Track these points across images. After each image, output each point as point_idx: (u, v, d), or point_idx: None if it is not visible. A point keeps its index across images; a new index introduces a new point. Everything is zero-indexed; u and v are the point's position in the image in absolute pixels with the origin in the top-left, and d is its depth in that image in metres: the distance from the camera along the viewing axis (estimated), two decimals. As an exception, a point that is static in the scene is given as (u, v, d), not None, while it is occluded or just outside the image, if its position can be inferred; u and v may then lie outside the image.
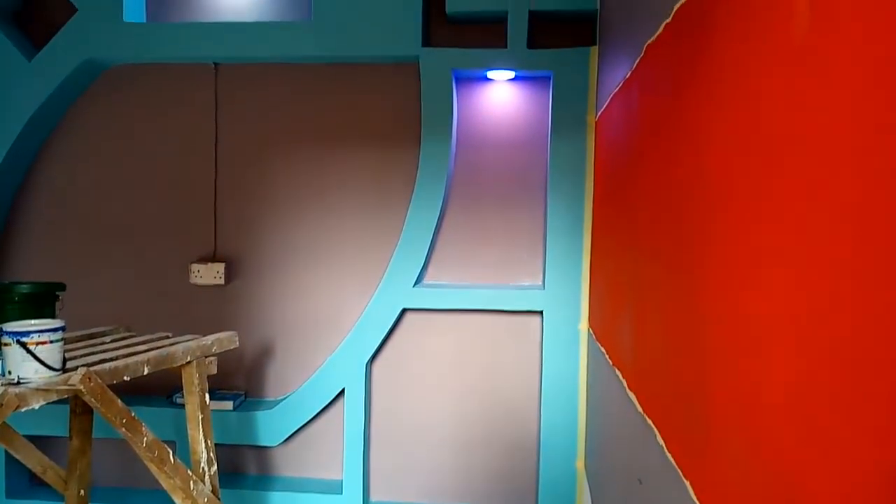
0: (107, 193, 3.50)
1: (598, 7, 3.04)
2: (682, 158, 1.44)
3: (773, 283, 0.92)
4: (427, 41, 3.26)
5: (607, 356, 2.42)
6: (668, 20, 1.60)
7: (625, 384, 2.04)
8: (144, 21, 3.40)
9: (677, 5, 1.51)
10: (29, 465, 2.72)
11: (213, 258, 3.45)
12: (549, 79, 3.23)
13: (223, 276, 3.38)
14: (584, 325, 3.14)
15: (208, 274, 3.38)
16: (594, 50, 3.08)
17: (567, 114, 3.11)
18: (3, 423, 2.51)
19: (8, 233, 3.54)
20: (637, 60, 2.00)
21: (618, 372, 2.17)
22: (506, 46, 3.15)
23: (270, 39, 3.24)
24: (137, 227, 3.49)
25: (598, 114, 2.93)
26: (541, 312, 3.23)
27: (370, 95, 3.37)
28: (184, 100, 3.44)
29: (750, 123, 1.03)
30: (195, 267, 3.38)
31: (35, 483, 3.53)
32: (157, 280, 3.48)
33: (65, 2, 3.33)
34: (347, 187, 3.40)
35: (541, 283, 3.34)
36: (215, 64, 3.41)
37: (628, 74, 2.15)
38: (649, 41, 1.81)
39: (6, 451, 3.22)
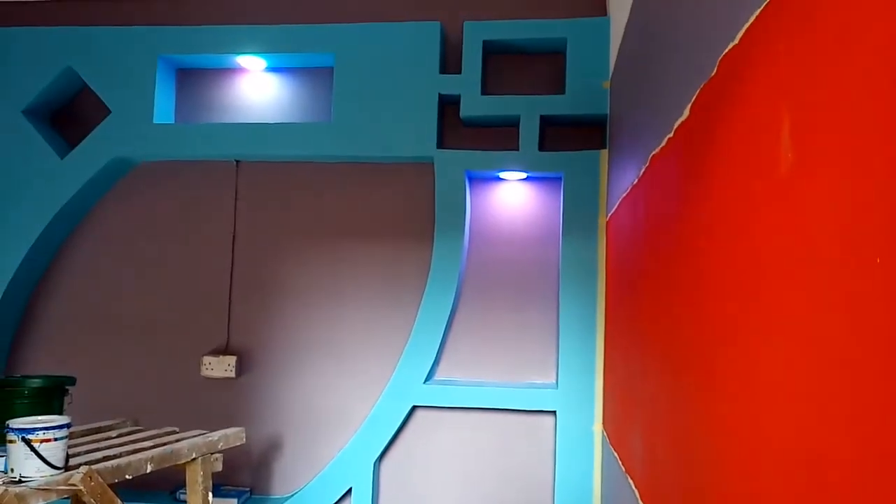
0: (123, 286, 3.57)
1: (609, 112, 3.14)
2: (683, 267, 1.45)
3: (787, 394, 0.90)
4: (441, 142, 3.37)
5: (620, 462, 2.34)
6: (670, 135, 1.65)
7: (637, 494, 1.97)
8: (173, 122, 3.57)
9: (678, 122, 1.56)
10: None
11: (226, 351, 3.46)
12: (561, 179, 3.30)
13: (234, 370, 3.37)
14: (598, 427, 3.06)
15: (219, 367, 3.38)
16: (604, 153, 3.16)
17: (578, 214, 3.16)
18: (2, 521, 2.46)
19: (25, 326, 3.59)
20: (643, 168, 2.04)
21: (630, 480, 2.09)
22: (518, 148, 3.24)
23: (291, 139, 3.37)
24: (152, 320, 3.53)
25: (609, 215, 2.97)
26: (554, 412, 3.16)
27: (385, 193, 3.46)
28: (205, 195, 3.56)
29: (745, 236, 1.04)
30: (207, 359, 3.39)
31: (30, 582, 3.40)
32: (169, 372, 3.48)
33: (100, 104, 3.52)
34: (360, 283, 3.44)
35: (554, 381, 3.29)
36: (237, 161, 3.55)
37: (636, 180, 2.20)
38: (654, 152, 1.86)
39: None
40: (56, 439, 2.08)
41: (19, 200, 3.43)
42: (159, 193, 3.59)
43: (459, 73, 3.32)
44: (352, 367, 3.40)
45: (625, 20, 2.60)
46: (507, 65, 3.42)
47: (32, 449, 2.02)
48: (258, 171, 3.54)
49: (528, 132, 3.20)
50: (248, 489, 3.37)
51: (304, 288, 3.47)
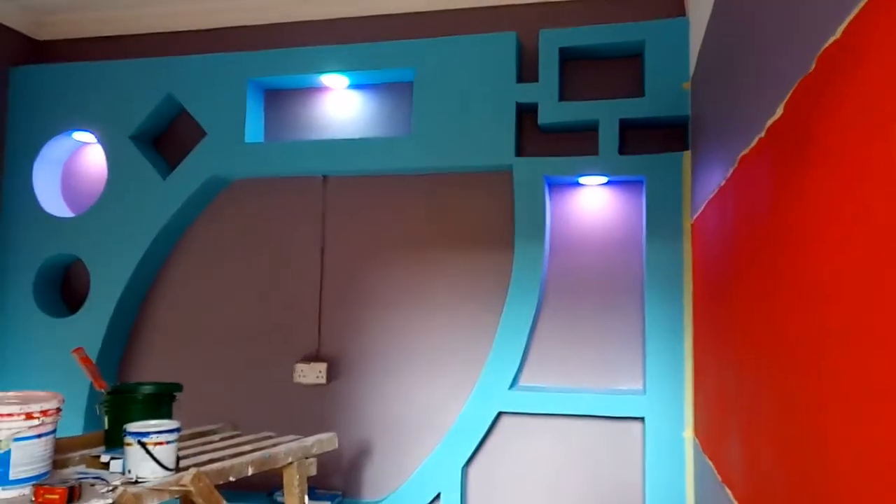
0: (221, 298, 3.77)
1: (690, 113, 3.08)
2: (787, 267, 1.42)
3: None
4: (520, 150, 3.39)
5: (715, 471, 2.28)
6: (761, 135, 1.62)
7: (735, 505, 1.92)
8: (263, 141, 3.75)
9: (770, 121, 1.53)
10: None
11: (317, 358, 3.59)
12: (642, 183, 3.26)
13: (325, 376, 3.50)
14: (688, 433, 2.99)
15: (311, 373, 3.52)
16: (687, 155, 3.10)
17: (662, 217, 3.11)
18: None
19: (134, 337, 3.85)
20: (731, 169, 2.00)
21: (728, 491, 2.04)
22: (597, 153, 3.23)
23: (373, 154, 3.48)
24: (247, 329, 3.71)
25: (694, 217, 2.91)
26: (642, 419, 3.11)
27: (466, 202, 3.51)
28: (295, 210, 3.72)
29: (859, 235, 1.01)
30: (299, 366, 3.53)
31: (142, 577, 3.63)
32: (264, 378, 3.65)
33: (197, 127, 3.74)
34: (444, 290, 3.50)
35: (641, 387, 3.24)
36: (324, 176, 3.69)
37: (723, 182, 2.15)
38: (743, 153, 1.82)
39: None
40: (168, 442, 2.22)
41: (129, 219, 3.69)
42: (252, 209, 3.78)
43: (536, 81, 3.34)
44: (437, 374, 3.46)
45: (705, 19, 2.55)
46: (583, 70, 3.42)
47: (147, 451, 2.17)
48: (344, 185, 3.67)
49: (608, 136, 3.18)
50: (339, 493, 3.48)
51: (389, 296, 3.56)
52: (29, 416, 1.98)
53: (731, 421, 2.03)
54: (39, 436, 2.01)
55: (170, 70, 3.72)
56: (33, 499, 1.88)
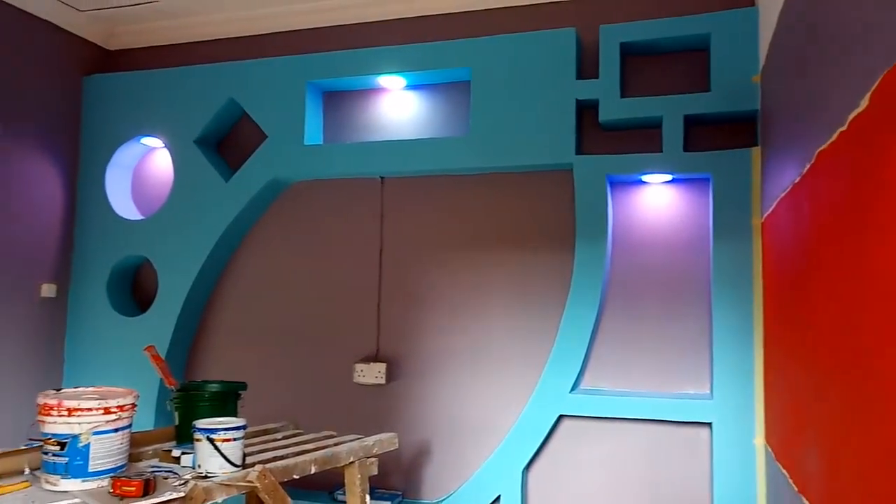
0: (281, 299, 3.84)
1: (759, 108, 2.97)
2: (865, 269, 1.34)
3: None
4: (580, 148, 3.34)
5: (791, 480, 2.19)
6: (842, 128, 1.54)
7: (814, 517, 1.83)
8: (321, 143, 3.80)
9: (853, 114, 1.45)
10: (207, 554, 2.90)
11: (376, 358, 3.62)
12: (708, 181, 3.16)
13: (384, 376, 3.53)
14: (759, 441, 2.88)
15: (370, 373, 3.55)
16: (756, 151, 2.98)
17: (729, 216, 3.00)
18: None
19: (199, 335, 3.96)
20: (808, 165, 1.91)
21: (806, 501, 1.95)
22: (661, 150, 3.14)
23: (430, 154, 3.48)
24: (307, 328, 3.77)
25: (765, 215, 2.80)
26: (709, 424, 3.02)
27: (525, 202, 3.48)
28: (353, 211, 3.76)
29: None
30: (358, 366, 3.57)
31: (208, 570, 3.73)
32: (324, 378, 3.70)
33: (257, 130, 3.82)
34: (503, 291, 3.47)
35: (708, 391, 3.14)
36: (382, 178, 3.71)
37: (798, 178, 2.06)
38: (821, 147, 1.74)
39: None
40: (235, 439, 2.27)
41: (193, 222, 3.79)
42: (311, 210, 3.83)
43: (596, 77, 3.28)
44: (496, 376, 3.44)
45: (777, 8, 2.45)
46: (645, 65, 3.34)
47: (216, 447, 2.23)
48: (402, 186, 3.69)
49: (672, 133, 3.10)
50: (399, 493, 3.50)
51: (448, 297, 3.56)
52: (107, 412, 2.06)
53: (808, 428, 1.94)
54: (116, 430, 2.09)
55: (231, 75, 3.81)
56: (111, 490, 1.95)
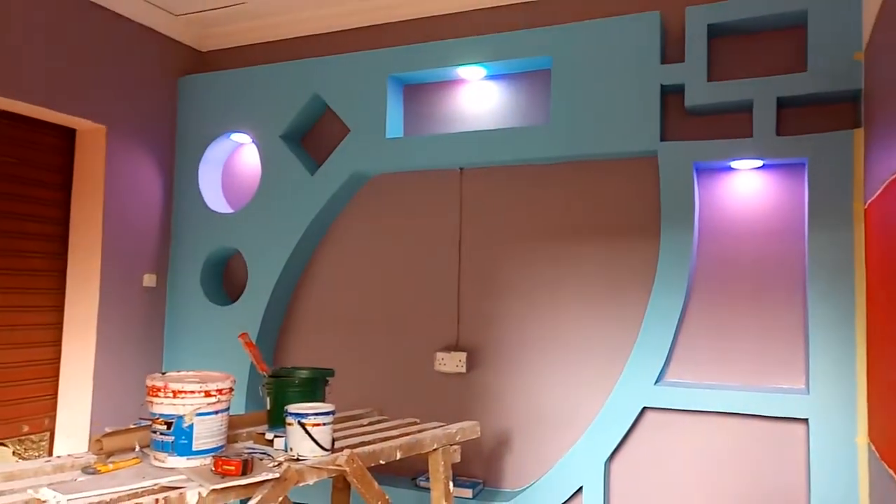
0: (364, 289, 3.92)
1: (863, 86, 2.80)
2: None
3: None
4: (664, 135, 3.24)
5: (898, 481, 2.07)
6: (963, 105, 1.43)
7: (927, 519, 1.72)
8: (402, 136, 3.86)
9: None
10: (298, 534, 3.02)
11: (456, 347, 3.66)
12: (804, 165, 3.01)
13: (465, 365, 3.56)
14: (862, 439, 2.73)
15: (451, 362, 3.58)
16: (858, 133, 2.81)
17: (828, 202, 2.85)
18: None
19: (285, 324, 4.11)
20: (921, 146, 1.79)
21: (915, 503, 1.84)
22: (751, 135, 3.02)
23: (510, 144, 3.47)
24: (390, 319, 3.85)
25: (868, 201, 2.64)
26: (805, 420, 2.89)
27: (607, 190, 3.42)
28: (433, 202, 3.80)
29: None
30: (440, 355, 3.61)
31: (297, 549, 3.89)
32: (406, 366, 3.77)
33: (340, 124, 3.92)
34: (584, 281, 3.43)
35: (803, 386, 3.00)
36: (461, 168, 3.73)
37: (909, 160, 1.93)
38: (938, 126, 1.62)
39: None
40: (325, 424, 2.35)
41: (280, 214, 3.93)
42: (392, 203, 3.90)
43: (682, 61, 3.18)
44: (578, 366, 3.40)
45: (884, -20, 2.30)
46: (734, 46, 3.20)
47: (307, 431, 2.31)
48: (481, 177, 3.70)
49: (764, 116, 2.96)
50: (480, 481, 3.53)
51: (528, 287, 3.55)
52: (207, 394, 2.17)
53: (920, 426, 1.82)
54: (216, 412, 2.20)
55: (315, 71, 3.92)
56: (213, 468, 2.06)
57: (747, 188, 3.19)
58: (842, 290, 2.80)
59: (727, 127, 3.17)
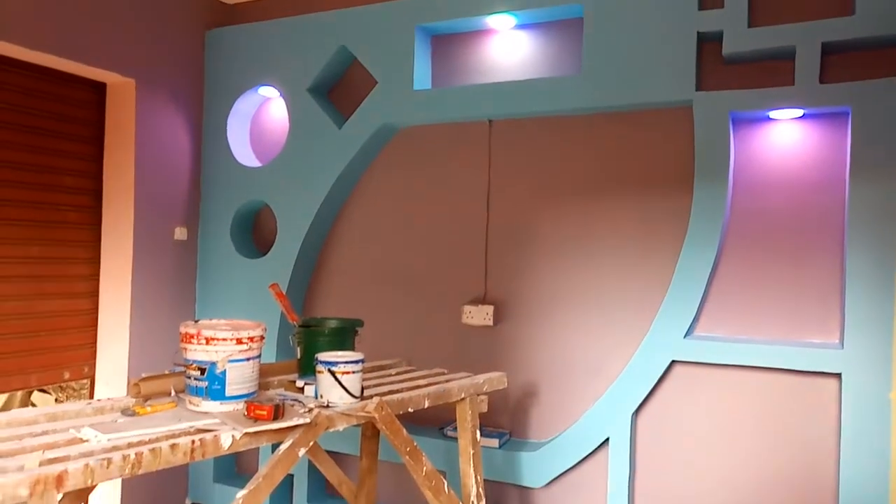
0: (393, 242, 3.93)
1: (912, 30, 2.67)
2: None
3: None
4: (700, 84, 3.15)
5: (932, 435, 2.04)
6: None
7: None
8: (430, 88, 3.80)
9: None
10: (328, 477, 3.11)
11: (484, 300, 3.66)
12: (847, 115, 2.90)
13: (492, 318, 3.57)
14: (895, 395, 2.69)
15: (479, 315, 3.60)
16: (906, 79, 2.70)
17: (871, 152, 2.75)
18: (313, 439, 2.90)
19: (315, 276, 4.15)
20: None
21: (950, 456, 1.81)
22: (792, 83, 2.91)
23: (541, 95, 3.40)
24: (418, 272, 3.86)
25: (914, 150, 2.54)
26: (838, 375, 2.85)
27: (639, 141, 3.34)
28: (461, 155, 3.76)
29: None
30: (467, 308, 3.63)
31: (328, 493, 4.01)
32: (434, 319, 3.80)
33: (368, 76, 3.87)
34: (614, 234, 3.39)
35: (837, 341, 2.95)
36: (489, 121, 3.68)
37: (960, 105, 1.84)
38: None
39: (310, 463, 3.73)
40: (354, 372, 2.39)
41: (309, 168, 3.94)
42: (421, 155, 3.87)
43: (721, 7, 3.05)
44: (606, 319, 3.39)
45: (942, -87, 2.16)
46: (776, -10, 3.07)
47: (336, 379, 2.35)
48: (510, 129, 3.64)
49: (807, 63, 2.85)
50: (507, 432, 3.57)
51: (557, 240, 3.52)
52: (239, 342, 2.22)
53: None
54: (248, 359, 2.25)
55: (342, 22, 3.86)
56: (246, 413, 2.11)
57: (786, 139, 3.09)
58: (883, 245, 2.73)
59: (765, 75, 3.06)
